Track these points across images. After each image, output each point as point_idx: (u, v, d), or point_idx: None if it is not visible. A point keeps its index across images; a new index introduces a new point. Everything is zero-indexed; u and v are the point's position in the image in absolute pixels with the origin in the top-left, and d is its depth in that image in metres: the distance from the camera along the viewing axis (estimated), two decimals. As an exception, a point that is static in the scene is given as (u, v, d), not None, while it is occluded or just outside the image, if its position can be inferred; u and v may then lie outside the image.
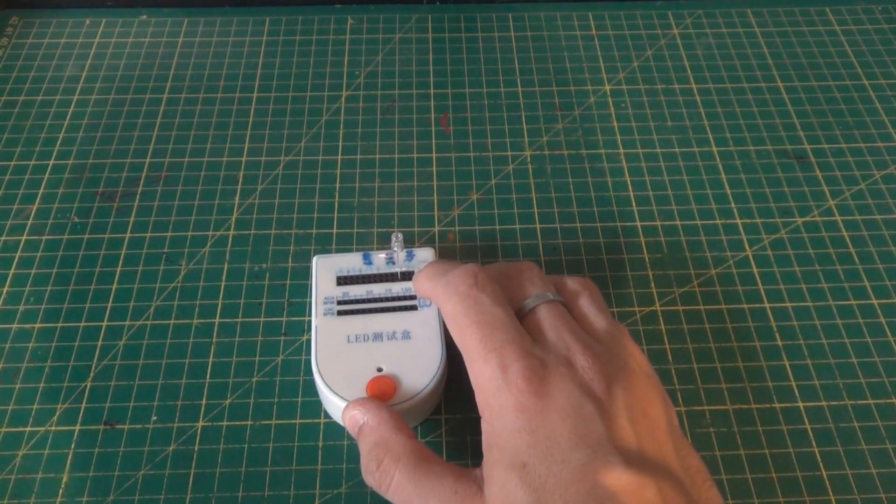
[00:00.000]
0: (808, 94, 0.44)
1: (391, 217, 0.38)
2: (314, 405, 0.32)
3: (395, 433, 0.27)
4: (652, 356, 0.34)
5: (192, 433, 0.32)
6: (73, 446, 0.31)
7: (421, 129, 0.42)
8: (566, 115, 0.43)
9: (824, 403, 0.33)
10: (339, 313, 0.32)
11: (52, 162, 0.40)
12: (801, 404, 0.33)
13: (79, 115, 0.43)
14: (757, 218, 0.39)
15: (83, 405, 0.32)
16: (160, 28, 0.47)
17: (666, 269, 0.37)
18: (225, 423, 0.32)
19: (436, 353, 0.31)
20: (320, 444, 0.31)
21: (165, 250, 0.37)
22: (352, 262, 0.34)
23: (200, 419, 0.32)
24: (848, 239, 0.38)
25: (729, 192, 0.40)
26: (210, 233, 0.38)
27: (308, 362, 0.33)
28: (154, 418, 0.32)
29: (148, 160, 0.41)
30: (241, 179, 0.40)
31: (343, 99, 0.44)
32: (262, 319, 0.35)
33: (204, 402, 0.32)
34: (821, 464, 0.31)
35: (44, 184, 0.40)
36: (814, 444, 0.31)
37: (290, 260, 0.37)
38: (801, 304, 0.36)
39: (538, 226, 0.38)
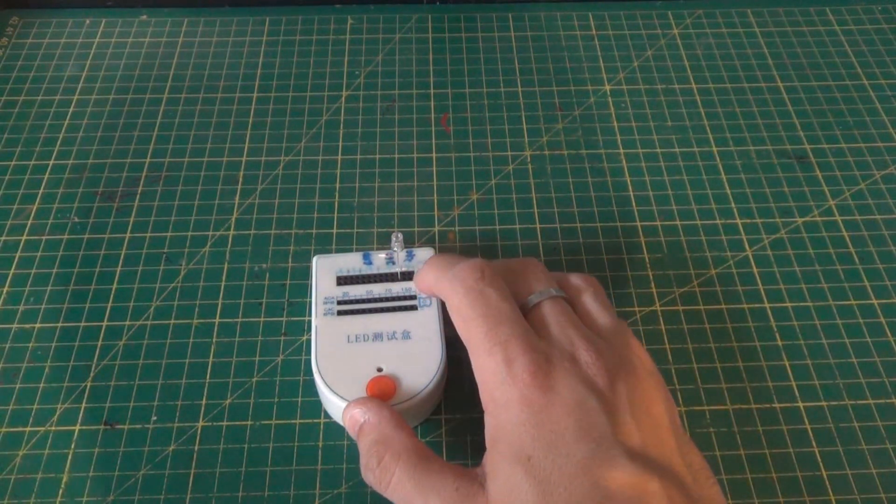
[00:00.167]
0: (808, 94, 0.44)
1: (391, 217, 0.38)
2: (314, 405, 0.32)
3: (396, 431, 0.27)
4: (652, 356, 0.34)
5: (192, 433, 0.32)
6: (73, 446, 0.31)
7: (421, 129, 0.42)
8: (566, 115, 0.43)
9: (824, 403, 0.33)
10: (339, 313, 0.32)
11: (52, 162, 0.40)
12: (801, 404, 0.33)
13: (79, 115, 0.43)
14: (757, 218, 0.39)
15: (83, 405, 0.32)
16: (160, 28, 0.47)
17: (666, 269, 0.37)
18: (225, 423, 0.32)
19: (436, 353, 0.31)
20: (320, 444, 0.31)
21: (165, 250, 0.37)
22: (352, 262, 0.34)
23: (200, 419, 0.32)
24: (848, 239, 0.38)
25: (729, 192, 0.40)
26: (210, 233, 0.38)
27: (308, 362, 0.33)
28: (154, 418, 0.32)
29: (148, 160, 0.41)
30: (241, 179, 0.40)
31: (343, 99, 0.44)
32: (262, 319, 0.35)
33: (204, 402, 0.32)
34: (821, 464, 0.31)
35: (44, 184, 0.40)
36: (814, 444, 0.31)
37: (290, 260, 0.37)
38: (801, 304, 0.36)
39: (538, 226, 0.38)
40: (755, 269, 0.37)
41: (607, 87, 0.44)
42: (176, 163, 0.40)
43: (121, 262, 0.37)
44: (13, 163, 0.40)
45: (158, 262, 0.37)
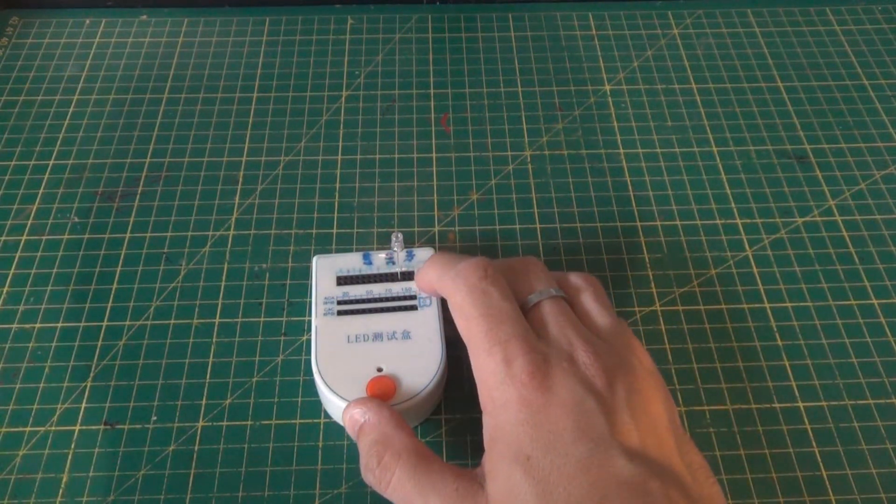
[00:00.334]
0: (808, 94, 0.44)
1: (391, 217, 0.38)
2: (314, 405, 0.32)
3: (396, 430, 0.27)
4: (652, 356, 0.34)
5: (192, 433, 0.32)
6: (73, 446, 0.31)
7: (421, 129, 0.42)
8: (566, 115, 0.43)
9: (824, 403, 0.33)
10: (339, 313, 0.32)
11: (52, 162, 0.40)
12: (801, 404, 0.33)
13: (79, 115, 0.43)
14: (757, 218, 0.39)
15: (83, 405, 0.32)
16: (160, 28, 0.47)
17: (666, 269, 0.37)
18: (225, 423, 0.32)
19: (436, 353, 0.31)
20: (320, 444, 0.31)
21: (165, 250, 0.37)
22: (352, 262, 0.34)
23: (200, 419, 0.32)
24: (848, 239, 0.38)
25: (729, 192, 0.40)
26: (210, 233, 0.38)
27: (308, 362, 0.33)
28: (154, 418, 0.32)
29: (148, 160, 0.41)
30: (241, 179, 0.40)
31: (343, 99, 0.44)
32: (262, 319, 0.35)
33: (204, 402, 0.32)
34: (821, 464, 0.31)
35: (44, 184, 0.40)
36: (814, 444, 0.31)
37: (290, 260, 0.37)
38: (801, 304, 0.36)
39: (538, 226, 0.38)
40: (755, 269, 0.37)
41: (607, 87, 0.44)
42: (176, 163, 0.40)
43: (121, 262, 0.37)
44: (13, 163, 0.40)
45: (158, 262, 0.37)
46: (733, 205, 0.39)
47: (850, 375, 0.33)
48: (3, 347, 0.34)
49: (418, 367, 0.30)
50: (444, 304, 0.31)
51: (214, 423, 0.32)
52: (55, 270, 0.36)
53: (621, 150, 0.41)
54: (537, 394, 0.24)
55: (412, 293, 0.33)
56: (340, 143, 0.41)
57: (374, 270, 0.33)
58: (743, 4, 0.49)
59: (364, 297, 0.32)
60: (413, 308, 0.32)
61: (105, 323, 0.35)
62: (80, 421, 0.32)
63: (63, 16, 0.48)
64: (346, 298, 0.32)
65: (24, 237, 0.38)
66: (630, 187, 0.40)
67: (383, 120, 0.43)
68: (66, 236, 0.38)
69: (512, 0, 0.49)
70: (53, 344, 0.34)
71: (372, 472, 0.26)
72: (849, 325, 0.35)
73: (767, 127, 0.43)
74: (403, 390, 0.30)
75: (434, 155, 0.41)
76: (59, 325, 0.35)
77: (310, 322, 0.34)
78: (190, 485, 0.30)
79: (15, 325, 0.35)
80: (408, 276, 0.33)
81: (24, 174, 0.40)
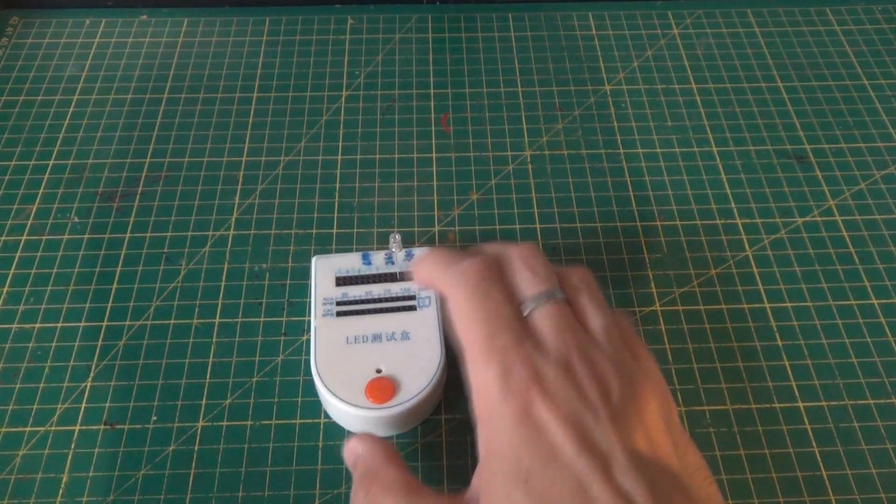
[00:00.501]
0: (808, 94, 0.44)
1: (391, 217, 0.38)
2: (314, 405, 0.32)
3: (386, 464, 0.27)
4: (652, 356, 0.34)
5: (192, 433, 0.32)
6: (73, 446, 0.31)
7: (421, 129, 0.42)
8: (566, 115, 0.43)
9: (824, 403, 0.33)
10: (339, 314, 0.32)
11: (52, 162, 0.41)
12: (801, 404, 0.33)
13: (79, 115, 0.43)
14: (757, 218, 0.39)
15: (83, 405, 0.32)
16: (160, 28, 0.47)
17: (666, 269, 0.37)
18: (225, 423, 0.32)
19: (435, 354, 0.31)
20: (320, 444, 0.31)
21: (165, 250, 0.37)
22: (351, 262, 0.34)
23: (200, 419, 0.32)
24: (848, 239, 0.38)
25: (729, 192, 0.40)
26: (210, 233, 0.38)
27: (308, 362, 0.33)
28: (154, 418, 0.32)
29: (148, 160, 0.41)
30: (241, 179, 0.40)
31: (343, 99, 0.44)
32: (262, 319, 0.35)
33: (204, 402, 0.32)
34: (821, 464, 0.31)
35: (44, 184, 0.40)
36: (814, 444, 0.31)
37: (290, 260, 0.37)
38: (801, 304, 0.36)
39: (538, 226, 0.38)
40: (755, 269, 0.37)
41: (607, 87, 0.44)
42: (176, 163, 0.40)
43: (121, 262, 0.37)
44: (13, 163, 0.40)
45: (158, 262, 0.37)
46: (733, 205, 0.39)
47: (850, 375, 0.33)
48: (3, 347, 0.34)
49: (418, 367, 0.30)
50: (443, 303, 0.31)
51: (214, 423, 0.32)
52: (55, 270, 0.36)
53: (621, 150, 0.41)
54: (534, 406, 0.24)
55: (411, 293, 0.33)
56: (340, 143, 0.41)
57: (373, 271, 0.33)
58: (743, 4, 0.49)
59: (363, 297, 0.32)
60: (412, 308, 0.32)
61: (105, 323, 0.35)
62: (80, 421, 0.32)
63: (63, 16, 0.48)
64: (346, 299, 0.32)
65: (24, 237, 0.38)
66: (630, 187, 0.40)
67: (383, 120, 0.43)
68: (66, 236, 0.38)
69: (512, 0, 0.49)
70: (53, 344, 0.34)
71: None
72: (849, 325, 0.35)
73: (767, 127, 0.42)
74: (403, 391, 0.30)
75: (434, 155, 0.41)
76: (59, 325, 0.35)
77: (310, 322, 0.34)
78: (190, 485, 0.30)
79: (15, 325, 0.35)
80: (407, 276, 0.33)
81: (24, 174, 0.40)
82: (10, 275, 0.36)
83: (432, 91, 0.44)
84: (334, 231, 0.38)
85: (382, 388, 0.30)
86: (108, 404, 0.32)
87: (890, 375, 0.33)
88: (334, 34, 0.47)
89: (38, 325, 0.35)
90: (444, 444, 0.31)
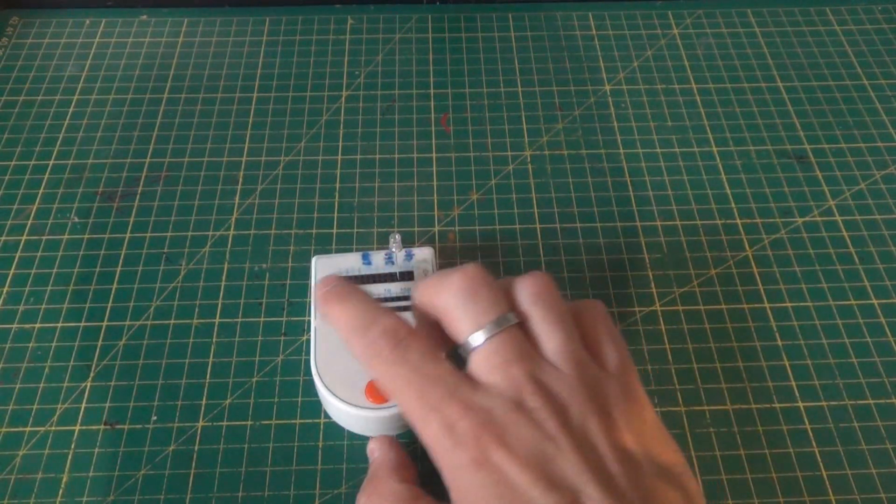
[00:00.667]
0: (808, 94, 0.44)
1: (391, 217, 0.38)
2: (314, 405, 0.32)
3: (388, 475, 0.27)
4: (652, 356, 0.34)
5: (192, 433, 0.32)
6: (73, 446, 0.31)
7: (421, 129, 0.42)
8: (566, 115, 0.43)
9: (824, 403, 0.33)
10: (339, 313, 0.32)
11: (52, 162, 0.40)
12: (801, 404, 0.33)
13: (79, 115, 0.43)
14: (757, 218, 0.39)
15: (83, 405, 0.32)
16: (160, 28, 0.47)
17: (666, 269, 0.37)
18: (225, 423, 0.32)
19: (436, 353, 0.31)
20: (320, 444, 0.31)
21: (165, 250, 0.37)
22: (351, 262, 0.34)
23: (200, 419, 0.32)
24: (848, 239, 0.38)
25: (729, 192, 0.40)
26: (210, 233, 0.38)
27: (308, 362, 0.33)
28: (154, 418, 0.32)
29: (148, 160, 0.41)
30: (241, 179, 0.40)
31: (343, 99, 0.44)
32: (262, 319, 0.35)
33: (204, 402, 0.32)
34: (821, 464, 0.31)
35: (44, 184, 0.40)
36: (814, 444, 0.31)
37: (290, 260, 0.37)
38: (801, 304, 0.36)
39: (538, 226, 0.38)
40: (755, 269, 0.37)
41: (607, 87, 0.44)
42: (176, 163, 0.40)
43: (121, 262, 0.37)
44: (13, 163, 0.40)
45: (158, 262, 0.37)
46: (733, 205, 0.39)
47: (850, 375, 0.33)
48: (3, 347, 0.34)
49: (418, 367, 0.30)
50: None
51: (214, 423, 0.32)
52: (55, 270, 0.36)
53: (621, 150, 0.41)
54: (489, 453, 0.22)
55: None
56: (340, 143, 0.41)
57: (373, 271, 0.33)
58: (743, 4, 0.49)
59: (364, 297, 0.32)
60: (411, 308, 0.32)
61: (105, 323, 0.35)
62: (80, 421, 0.32)
63: (63, 16, 0.48)
64: (346, 298, 0.32)
65: (24, 237, 0.38)
66: (630, 187, 0.40)
67: (383, 120, 0.43)
68: (66, 236, 0.38)
69: (512, 0, 0.49)
70: (53, 344, 0.34)
71: None
72: (849, 325, 0.35)
73: (767, 127, 0.42)
74: (403, 390, 0.30)
75: (434, 155, 0.41)
76: (59, 325, 0.35)
77: (310, 322, 0.34)
78: (190, 485, 0.30)
79: (15, 325, 0.35)
80: (406, 276, 0.33)
81: (24, 174, 0.40)
82: (10, 275, 0.36)
83: (432, 91, 0.44)
84: (334, 231, 0.38)
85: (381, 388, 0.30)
86: (108, 404, 0.32)
87: (890, 375, 0.33)
88: (334, 34, 0.47)
89: (38, 325, 0.35)
90: (444, 444, 0.31)
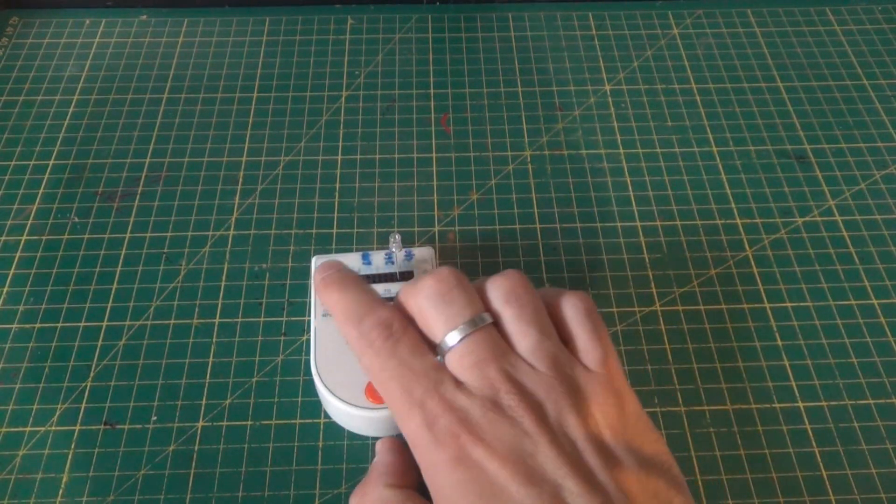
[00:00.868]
0: (808, 94, 0.44)
1: (391, 217, 0.38)
2: (314, 405, 0.32)
3: (377, 481, 0.27)
4: (652, 356, 0.34)
5: (192, 433, 0.32)
6: (73, 446, 0.31)
7: (421, 129, 0.42)
8: (566, 115, 0.43)
9: (824, 403, 0.33)
10: (339, 313, 0.32)
11: (52, 162, 0.41)
12: (801, 404, 0.33)
13: (79, 115, 0.43)
14: (757, 218, 0.39)
15: (83, 405, 0.32)
16: (160, 28, 0.47)
17: (666, 269, 0.37)
18: (225, 423, 0.32)
19: (436, 353, 0.31)
20: (320, 444, 0.31)
21: (165, 250, 0.37)
22: (351, 262, 0.34)
23: (200, 419, 0.32)
24: (848, 239, 0.38)
25: (729, 192, 0.40)
26: (210, 233, 0.38)
27: (308, 362, 0.33)
28: (154, 418, 0.32)
29: (148, 160, 0.41)
30: (241, 179, 0.40)
31: (343, 99, 0.44)
32: (262, 319, 0.35)
33: (204, 402, 0.32)
34: (821, 464, 0.31)
35: (44, 184, 0.40)
36: (814, 444, 0.31)
37: (290, 260, 0.37)
38: (801, 304, 0.36)
39: (538, 226, 0.38)
40: (755, 269, 0.37)
41: (607, 87, 0.44)
42: (176, 163, 0.40)
43: (121, 262, 0.37)
44: (13, 163, 0.40)
45: (158, 262, 0.37)
46: (733, 205, 0.39)
47: (850, 375, 0.33)
48: (3, 347, 0.34)
49: (418, 367, 0.30)
50: None
51: (214, 423, 0.32)
52: (55, 270, 0.36)
53: (621, 150, 0.41)
54: (469, 449, 0.23)
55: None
56: (340, 143, 0.41)
57: (373, 270, 0.33)
58: (743, 4, 0.49)
59: (364, 297, 0.32)
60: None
61: (105, 323, 0.35)
62: (80, 421, 0.32)
63: (63, 16, 0.48)
64: (346, 298, 0.32)
65: (24, 237, 0.38)
66: (630, 187, 0.40)
67: (383, 120, 0.43)
68: (66, 236, 0.38)
69: (512, 0, 0.49)
70: (53, 344, 0.34)
71: None
72: (849, 325, 0.35)
73: (767, 127, 0.43)
74: (403, 390, 0.30)
75: (434, 155, 0.41)
76: (59, 325, 0.35)
77: (310, 322, 0.34)
78: (190, 485, 0.30)
79: (15, 325, 0.35)
80: (406, 276, 0.33)
81: (24, 174, 0.40)
82: (10, 275, 0.36)
83: (432, 91, 0.44)
84: (334, 231, 0.38)
85: (382, 388, 0.30)
86: (108, 404, 0.32)
87: (890, 375, 0.33)
88: (334, 34, 0.47)
89: (37, 325, 0.35)
90: (444, 444, 0.31)
